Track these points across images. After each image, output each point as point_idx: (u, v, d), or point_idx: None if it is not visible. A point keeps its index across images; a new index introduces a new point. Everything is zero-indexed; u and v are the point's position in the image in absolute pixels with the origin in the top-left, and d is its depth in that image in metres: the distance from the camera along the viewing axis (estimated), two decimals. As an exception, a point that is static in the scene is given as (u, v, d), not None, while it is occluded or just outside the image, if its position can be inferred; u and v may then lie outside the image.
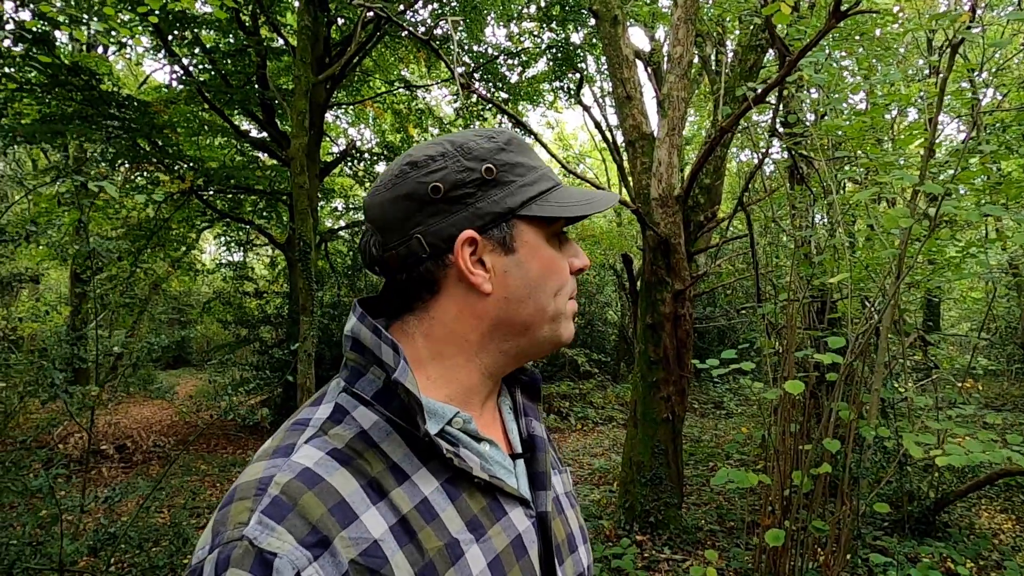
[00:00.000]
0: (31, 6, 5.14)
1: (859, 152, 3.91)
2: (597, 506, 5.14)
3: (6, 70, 6.52)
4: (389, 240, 0.67)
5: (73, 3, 5.52)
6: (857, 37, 4.97)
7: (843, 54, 5.36)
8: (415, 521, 0.59)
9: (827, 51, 4.42)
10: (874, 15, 4.59)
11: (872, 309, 3.30)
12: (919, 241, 2.62)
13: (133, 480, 6.01)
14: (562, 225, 0.72)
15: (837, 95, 3.87)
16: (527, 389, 0.81)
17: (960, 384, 4.83)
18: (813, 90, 4.66)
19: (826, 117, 4.24)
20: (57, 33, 7.19)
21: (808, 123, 4.39)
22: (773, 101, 4.20)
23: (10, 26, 6.18)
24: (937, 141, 4.03)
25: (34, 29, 5.68)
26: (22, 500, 3.49)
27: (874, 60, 5.18)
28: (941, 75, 2.81)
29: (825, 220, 4.63)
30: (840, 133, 3.64)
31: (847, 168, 4.61)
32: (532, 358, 0.74)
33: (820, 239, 4.14)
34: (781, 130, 4.55)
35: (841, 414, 2.78)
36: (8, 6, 6.01)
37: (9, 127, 6.85)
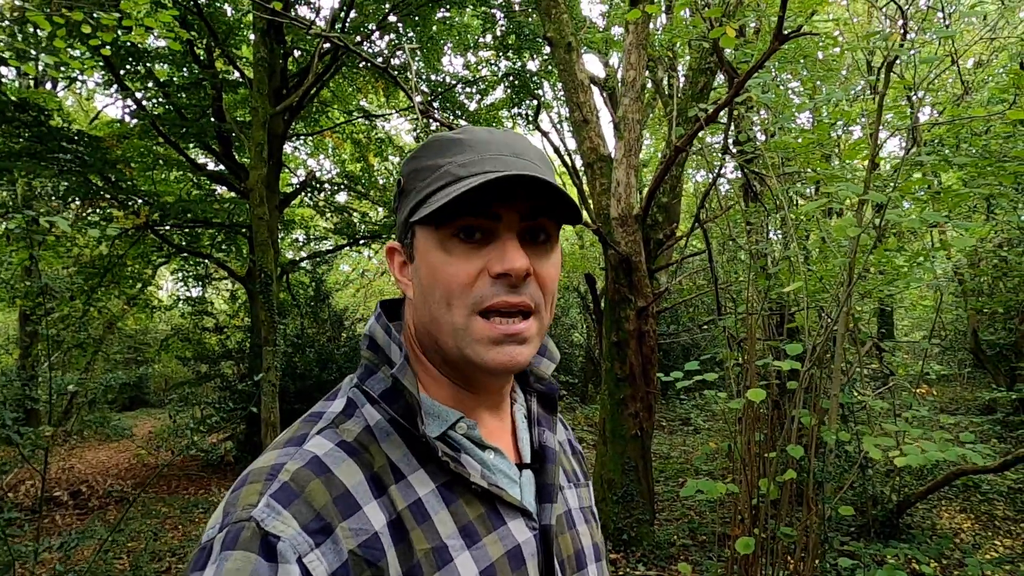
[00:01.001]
0: (-24, 42, 5.05)
1: (808, 168, 4.07)
2: (570, 527, 5.12)
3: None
4: None
5: (20, 38, 5.43)
6: (801, 60, 5.20)
7: (789, 76, 5.60)
8: (408, 520, 0.60)
9: (773, 73, 4.61)
10: (816, 39, 4.81)
11: (827, 317, 3.41)
12: (868, 251, 2.73)
13: (91, 524, 5.76)
14: (466, 224, 0.62)
15: (783, 115, 4.03)
16: (543, 399, 0.79)
17: (915, 390, 4.99)
18: (763, 111, 4.85)
19: (775, 136, 4.41)
20: (3, 69, 7.04)
21: (759, 142, 4.55)
22: (724, 121, 4.35)
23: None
24: (882, 156, 4.22)
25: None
26: (-29, 551, 3.33)
27: (818, 81, 5.42)
28: (879, 92, 2.96)
29: (780, 235, 4.79)
30: (789, 150, 3.79)
31: (798, 184, 4.79)
32: (471, 376, 0.67)
33: (776, 252, 4.27)
34: (733, 149, 4.71)
35: (803, 420, 2.84)
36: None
37: (-47, 165, 6.65)
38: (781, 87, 5.21)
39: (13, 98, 6.59)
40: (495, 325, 0.62)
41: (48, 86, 10.87)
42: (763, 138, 5.07)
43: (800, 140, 3.60)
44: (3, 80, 6.63)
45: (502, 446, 0.70)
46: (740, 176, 5.44)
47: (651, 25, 7.98)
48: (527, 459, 0.73)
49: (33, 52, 5.74)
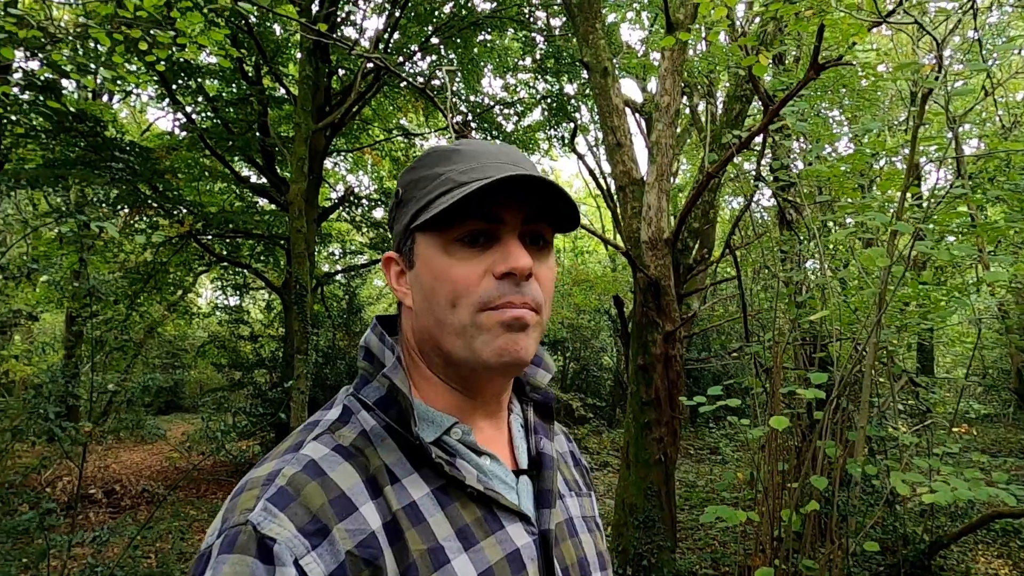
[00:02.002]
0: (41, 55, 5.33)
1: (842, 197, 4.03)
2: (590, 551, 5.08)
3: (12, 117, 6.70)
4: None
5: (81, 52, 5.71)
6: (843, 89, 5.17)
7: (826, 105, 5.56)
8: (403, 521, 0.60)
9: (810, 101, 4.60)
10: (855, 68, 4.79)
11: (857, 348, 3.36)
12: (898, 282, 2.70)
13: (122, 522, 5.92)
14: (469, 228, 0.64)
15: (818, 143, 4.01)
16: (539, 408, 0.80)
17: (953, 428, 4.85)
18: (800, 139, 4.83)
19: (811, 164, 4.39)
20: (64, 81, 7.39)
21: (796, 170, 4.53)
22: (759, 148, 4.35)
23: (18, 75, 6.38)
24: (919, 188, 4.17)
25: (43, 77, 5.85)
26: (9, 539, 3.46)
27: (859, 111, 5.38)
28: (914, 124, 2.94)
29: (815, 264, 4.73)
30: (822, 179, 3.77)
31: (835, 213, 4.73)
32: (473, 377, 0.68)
33: (809, 281, 4.23)
34: (769, 176, 4.69)
35: (828, 451, 2.80)
36: (18, 55, 6.21)
37: (13, 172, 6.98)
38: (819, 115, 5.18)
39: (72, 109, 6.91)
40: (503, 312, 0.63)
41: (105, 98, 11.35)
42: (800, 166, 5.04)
43: (832, 169, 3.58)
44: (63, 91, 6.96)
45: (498, 452, 0.71)
46: (775, 203, 5.41)
47: (690, 52, 8.03)
48: (524, 466, 0.73)
49: (92, 66, 6.04)
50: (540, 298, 0.66)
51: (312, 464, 0.60)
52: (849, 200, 3.71)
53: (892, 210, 2.99)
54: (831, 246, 4.29)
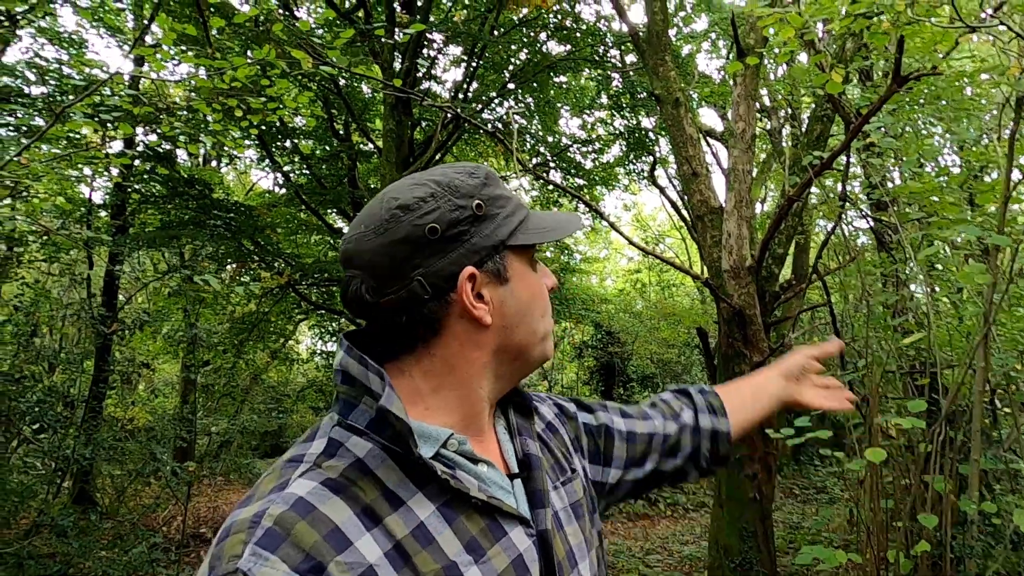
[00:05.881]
0: (156, 129, 5.92)
1: (940, 212, 3.78)
2: (687, 595, 4.85)
3: (135, 185, 7.43)
4: (386, 285, 0.66)
5: (190, 123, 6.30)
6: (944, 101, 4.88)
7: (921, 118, 5.26)
8: (411, 546, 0.59)
9: (906, 115, 4.37)
10: (946, 77, 4.52)
11: (968, 375, 3.10)
12: (1001, 300, 2.50)
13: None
14: (535, 249, 0.77)
15: (908, 159, 3.80)
16: (519, 409, 0.82)
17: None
18: (894, 156, 4.58)
19: (906, 181, 4.15)
20: (178, 151, 8.14)
21: (889, 187, 4.30)
22: (842, 168, 4.17)
23: (141, 147, 7.09)
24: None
25: (158, 148, 6.47)
26: (125, 575, 3.71)
27: (958, 122, 5.05)
28: (1012, 131, 2.75)
29: (921, 287, 4.42)
30: (914, 195, 3.55)
31: (935, 230, 4.43)
32: (524, 377, 0.79)
33: (906, 303, 3.97)
34: (861, 196, 4.47)
35: (936, 487, 2.59)
36: (139, 130, 6.92)
37: (135, 235, 7.72)
38: (911, 130, 4.91)
39: (184, 175, 7.58)
40: (551, 323, 0.79)
41: (213, 163, 12.38)
42: (894, 184, 4.77)
43: (926, 184, 3.37)
44: (176, 160, 7.67)
45: (491, 459, 0.72)
46: (868, 225, 5.14)
47: (771, 76, 7.86)
48: (514, 469, 0.75)
49: (202, 136, 6.63)
50: None
51: (300, 501, 0.58)
52: (947, 216, 3.47)
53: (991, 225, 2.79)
54: (936, 265, 4.01)
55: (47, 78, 5.66)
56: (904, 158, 3.91)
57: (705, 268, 5.47)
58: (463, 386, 0.71)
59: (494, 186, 0.73)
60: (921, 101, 4.68)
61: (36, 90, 5.65)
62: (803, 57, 6.94)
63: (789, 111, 8.19)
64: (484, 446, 0.74)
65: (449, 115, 8.45)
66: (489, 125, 9.09)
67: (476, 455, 0.70)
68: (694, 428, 1.00)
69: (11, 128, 5.08)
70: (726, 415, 1.03)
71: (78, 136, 4.75)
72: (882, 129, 3.67)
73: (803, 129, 6.43)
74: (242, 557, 0.54)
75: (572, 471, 0.83)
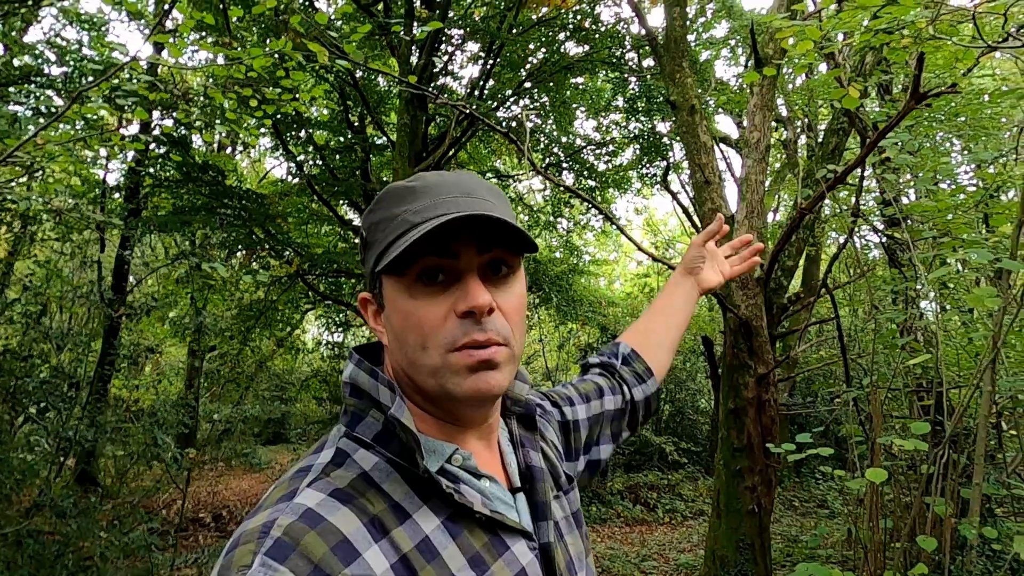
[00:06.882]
0: (173, 113, 5.96)
1: (953, 232, 3.75)
2: (680, 604, 4.84)
3: (150, 169, 7.48)
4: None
5: (208, 109, 6.34)
6: (963, 118, 4.83)
7: (940, 135, 5.22)
8: (416, 560, 0.60)
9: (924, 132, 4.34)
10: (964, 95, 4.48)
11: (973, 397, 3.07)
12: (1011, 323, 2.47)
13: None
14: (426, 264, 0.65)
15: (922, 177, 3.77)
16: (522, 420, 0.81)
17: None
18: (909, 172, 4.55)
19: (920, 199, 4.12)
20: (194, 137, 8.19)
21: (903, 204, 4.27)
22: (856, 183, 4.14)
23: (156, 131, 7.13)
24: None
25: (173, 134, 6.51)
26: (123, 556, 3.74)
27: (976, 141, 5.01)
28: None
29: (931, 305, 4.39)
30: (927, 213, 3.53)
31: (951, 252, 4.39)
32: (453, 409, 0.69)
33: (914, 322, 3.93)
34: (874, 212, 4.44)
35: (936, 510, 2.57)
36: (155, 115, 6.96)
37: (147, 218, 7.77)
38: (928, 147, 4.87)
39: (198, 160, 7.62)
40: (470, 354, 0.64)
41: (228, 151, 12.44)
42: (907, 200, 4.74)
43: (940, 202, 3.35)
44: (191, 146, 7.71)
45: (494, 473, 0.72)
46: (880, 241, 5.11)
47: (789, 86, 7.81)
48: (516, 482, 0.74)
49: (217, 122, 6.67)
50: (506, 331, 0.67)
51: (309, 512, 0.58)
52: (960, 237, 3.44)
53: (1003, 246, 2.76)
54: (948, 284, 3.98)
55: (67, 58, 5.70)
56: (920, 175, 3.87)
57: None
58: (413, 399, 0.70)
59: (380, 210, 0.69)
60: (940, 117, 4.65)
61: (56, 70, 5.69)
62: (823, 67, 6.89)
63: (805, 122, 8.14)
64: (487, 459, 0.74)
65: (464, 112, 8.46)
66: (503, 124, 9.09)
67: (479, 471, 0.70)
68: (631, 402, 1.03)
69: (30, 108, 5.12)
70: (652, 372, 1.06)
71: (95, 118, 4.80)
72: (899, 145, 3.64)
73: (818, 141, 6.40)
74: (251, 567, 0.54)
75: (570, 479, 0.84)
